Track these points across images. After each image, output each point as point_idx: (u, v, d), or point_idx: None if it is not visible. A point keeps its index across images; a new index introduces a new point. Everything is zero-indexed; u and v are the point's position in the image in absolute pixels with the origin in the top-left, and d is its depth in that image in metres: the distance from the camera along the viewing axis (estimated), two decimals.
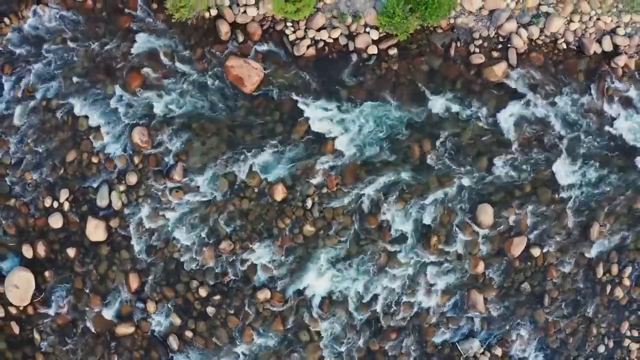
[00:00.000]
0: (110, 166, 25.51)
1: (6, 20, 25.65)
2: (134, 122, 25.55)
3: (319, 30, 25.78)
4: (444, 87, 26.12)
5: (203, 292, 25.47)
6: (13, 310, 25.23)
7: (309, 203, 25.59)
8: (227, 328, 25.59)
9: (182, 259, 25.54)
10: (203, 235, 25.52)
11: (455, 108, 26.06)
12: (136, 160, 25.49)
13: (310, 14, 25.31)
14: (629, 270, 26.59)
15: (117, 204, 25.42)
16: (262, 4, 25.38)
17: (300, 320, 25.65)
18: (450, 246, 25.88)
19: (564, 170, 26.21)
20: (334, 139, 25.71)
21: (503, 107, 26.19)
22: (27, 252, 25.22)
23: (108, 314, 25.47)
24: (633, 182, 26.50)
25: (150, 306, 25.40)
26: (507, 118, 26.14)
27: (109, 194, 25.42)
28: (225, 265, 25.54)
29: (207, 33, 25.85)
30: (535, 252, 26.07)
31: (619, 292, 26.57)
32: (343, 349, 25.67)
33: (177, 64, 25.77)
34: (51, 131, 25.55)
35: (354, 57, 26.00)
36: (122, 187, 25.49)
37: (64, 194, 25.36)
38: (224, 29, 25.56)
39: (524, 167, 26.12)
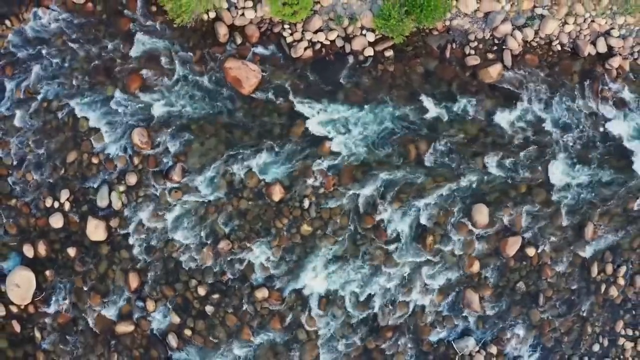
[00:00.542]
0: (110, 167, 25.67)
1: (7, 22, 25.81)
2: (134, 123, 25.71)
3: (316, 32, 25.90)
4: (440, 89, 26.29)
5: (202, 291, 25.59)
6: (14, 309, 25.31)
7: (306, 203, 25.73)
8: (225, 326, 25.67)
9: (181, 259, 25.66)
10: (202, 235, 25.67)
11: (450, 109, 26.25)
12: (136, 160, 25.65)
13: (307, 17, 25.42)
14: (623, 269, 26.62)
15: (117, 204, 25.57)
16: (260, 6, 25.53)
17: (298, 318, 25.82)
18: (446, 246, 25.98)
19: (558, 171, 26.30)
20: (330, 139, 25.86)
21: (498, 108, 26.36)
22: (28, 251, 25.36)
23: (108, 312, 25.59)
24: (627, 183, 26.62)
25: (150, 305, 25.52)
26: (502, 119, 26.30)
27: (109, 194, 25.55)
28: (224, 264, 25.72)
29: (206, 35, 25.99)
30: (530, 251, 26.16)
31: (614, 291, 26.58)
32: (340, 347, 25.86)
33: (176, 66, 26.01)
34: (52, 132, 25.71)
35: (351, 59, 26.15)
36: (122, 188, 25.62)
37: (64, 194, 25.50)
38: (222, 31, 25.74)
39: (519, 167, 26.27)
